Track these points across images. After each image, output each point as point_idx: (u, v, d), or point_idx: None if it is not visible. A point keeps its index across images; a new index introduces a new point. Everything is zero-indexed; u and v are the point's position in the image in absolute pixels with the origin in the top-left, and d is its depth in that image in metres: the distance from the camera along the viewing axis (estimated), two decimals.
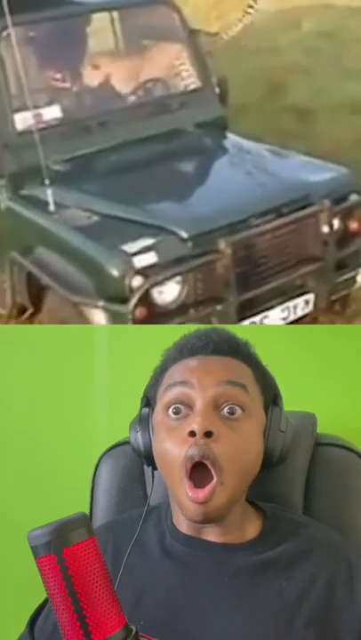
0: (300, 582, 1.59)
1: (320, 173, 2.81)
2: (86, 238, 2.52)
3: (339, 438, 2.08)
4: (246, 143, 3.07)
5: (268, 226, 2.57)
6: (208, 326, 1.85)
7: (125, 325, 2.44)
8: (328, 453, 2.02)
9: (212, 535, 1.67)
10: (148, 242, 2.45)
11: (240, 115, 4.98)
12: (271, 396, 1.73)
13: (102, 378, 2.56)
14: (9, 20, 2.64)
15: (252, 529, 1.71)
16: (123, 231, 2.51)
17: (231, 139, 3.10)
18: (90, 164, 2.85)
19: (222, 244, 2.49)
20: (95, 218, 2.61)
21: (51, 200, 2.64)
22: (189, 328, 2.11)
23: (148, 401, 1.77)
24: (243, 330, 2.33)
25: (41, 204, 2.69)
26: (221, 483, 1.56)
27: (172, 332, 2.30)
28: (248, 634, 1.54)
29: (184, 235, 2.47)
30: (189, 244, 2.47)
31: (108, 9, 3.28)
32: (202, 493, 1.54)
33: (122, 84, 3.15)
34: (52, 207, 2.64)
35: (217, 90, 3.19)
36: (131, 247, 2.43)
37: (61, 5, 3.22)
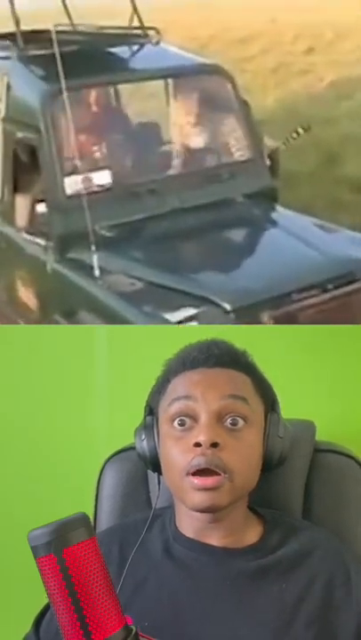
0: (299, 585, 1.64)
1: None
2: (129, 305, 2.52)
3: (337, 445, 2.09)
4: (295, 216, 3.06)
5: (312, 300, 2.56)
6: (208, 326, 1.84)
7: (125, 325, 2.48)
8: (327, 460, 2.04)
9: (214, 539, 1.71)
10: (190, 312, 2.45)
11: (293, 184, 5.00)
12: (270, 403, 1.78)
13: (102, 378, 2.54)
14: (63, 83, 2.68)
15: (252, 533, 1.75)
16: (166, 300, 2.51)
17: (280, 211, 3.10)
18: (137, 230, 2.87)
19: (265, 317, 2.48)
20: (140, 285, 2.61)
21: (96, 265, 2.64)
22: (189, 329, 2.12)
23: (152, 409, 1.81)
24: (243, 330, 2.34)
25: (86, 269, 2.70)
26: (231, 481, 1.62)
27: (172, 333, 2.31)
28: (249, 635, 1.59)
29: (227, 306, 2.46)
30: (232, 315, 2.46)
31: (164, 76, 3.30)
32: (211, 480, 1.60)
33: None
34: (97, 272, 2.64)
35: (268, 161, 3.19)
36: (173, 316, 2.43)
37: (117, 71, 3.26)
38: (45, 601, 1.59)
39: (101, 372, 2.54)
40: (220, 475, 1.60)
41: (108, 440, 2.31)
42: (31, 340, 2.60)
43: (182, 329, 2.41)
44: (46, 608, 1.76)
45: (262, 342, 2.06)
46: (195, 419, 1.66)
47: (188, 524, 1.73)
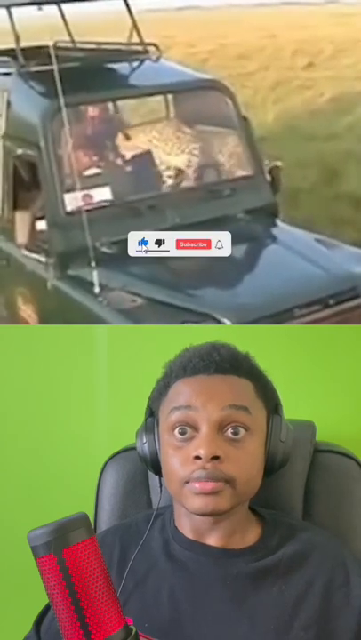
0: (298, 586, 1.66)
1: None
2: (129, 322, 2.51)
3: (337, 445, 2.11)
4: (296, 232, 3.06)
5: (314, 316, 2.55)
6: (208, 326, 1.85)
7: (125, 325, 2.49)
8: (327, 460, 2.07)
9: (213, 539, 1.73)
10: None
11: (294, 200, 5.00)
12: (272, 406, 1.80)
13: (102, 378, 2.56)
14: (62, 100, 2.67)
15: (252, 534, 1.77)
16: (167, 316, 2.51)
17: (281, 227, 3.08)
18: None
19: None
20: (140, 301, 2.60)
21: (96, 282, 2.64)
22: (189, 328, 2.24)
23: (152, 411, 1.84)
24: (243, 330, 2.35)
25: (87, 285, 2.69)
26: (233, 487, 1.65)
27: (172, 332, 2.32)
28: (249, 635, 1.61)
29: (228, 323, 2.45)
30: None
31: (163, 92, 3.30)
32: (210, 485, 1.62)
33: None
34: (97, 289, 2.64)
35: (268, 177, 3.18)
36: None
37: (117, 87, 3.26)
38: (45, 601, 1.59)
39: (101, 372, 2.55)
40: (220, 482, 1.63)
41: (109, 439, 2.37)
42: (31, 339, 2.60)
43: (182, 328, 2.44)
44: (47, 608, 1.78)
45: (262, 342, 2.06)
46: (195, 428, 1.68)
47: (188, 524, 1.76)
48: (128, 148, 3.17)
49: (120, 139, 3.19)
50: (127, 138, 3.17)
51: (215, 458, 1.63)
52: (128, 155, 3.16)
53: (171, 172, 3.10)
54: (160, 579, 1.71)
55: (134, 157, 3.16)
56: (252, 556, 1.71)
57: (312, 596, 1.65)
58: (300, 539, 1.76)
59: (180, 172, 3.11)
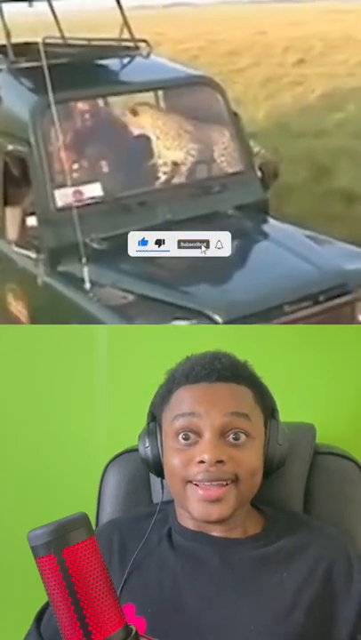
0: (300, 573, 1.70)
1: (358, 261, 2.78)
2: (120, 318, 2.51)
3: (337, 447, 2.12)
4: (286, 228, 3.05)
5: (304, 312, 2.55)
6: (208, 326, 1.92)
7: (125, 325, 2.49)
8: (327, 462, 2.07)
9: (216, 531, 1.77)
10: (181, 324, 2.43)
11: (284, 196, 5.00)
12: (269, 411, 1.84)
13: (102, 378, 2.55)
14: (51, 97, 2.67)
15: (254, 526, 1.81)
16: (158, 313, 2.50)
17: (271, 223, 3.08)
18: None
19: None
20: (130, 298, 2.60)
21: (87, 278, 2.64)
22: (188, 328, 2.26)
23: (154, 416, 1.87)
24: (243, 330, 2.35)
25: (77, 282, 2.69)
26: (237, 487, 1.69)
27: (172, 332, 2.31)
28: (250, 619, 1.64)
29: (219, 319, 2.45)
30: None
31: (154, 88, 3.30)
32: (216, 492, 1.68)
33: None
34: (87, 285, 2.64)
35: (259, 173, 3.18)
36: None
37: (107, 84, 3.25)
38: (45, 600, 1.59)
39: (101, 373, 2.54)
40: (225, 486, 1.68)
41: (108, 439, 2.37)
42: (31, 339, 2.60)
43: (182, 328, 2.43)
44: (47, 604, 1.78)
45: (263, 344, 2.05)
46: (198, 434, 1.72)
47: (191, 521, 1.78)
48: (134, 125, 3.16)
49: (127, 114, 3.18)
50: (134, 114, 3.15)
51: (219, 462, 1.67)
52: (135, 132, 3.16)
53: (167, 168, 3.10)
54: (163, 566, 1.74)
55: (130, 149, 3.16)
56: (254, 545, 1.75)
57: (314, 581, 1.68)
58: (302, 529, 1.80)
59: (175, 168, 3.11)
